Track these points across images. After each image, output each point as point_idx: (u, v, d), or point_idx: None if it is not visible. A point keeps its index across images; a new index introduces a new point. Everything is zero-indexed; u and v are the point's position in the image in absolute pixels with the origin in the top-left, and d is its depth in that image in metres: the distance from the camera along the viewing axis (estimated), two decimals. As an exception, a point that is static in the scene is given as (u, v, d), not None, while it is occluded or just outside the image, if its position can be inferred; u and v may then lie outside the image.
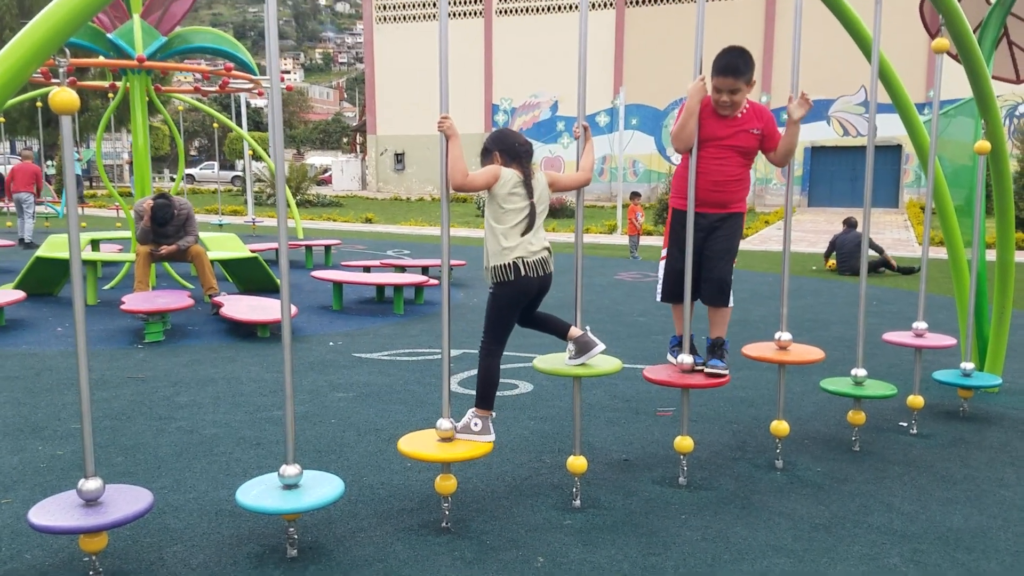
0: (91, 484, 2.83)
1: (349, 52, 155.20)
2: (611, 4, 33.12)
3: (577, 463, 3.62)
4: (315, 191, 31.00)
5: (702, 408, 5.15)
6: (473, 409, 3.57)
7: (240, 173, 43.56)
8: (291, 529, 3.15)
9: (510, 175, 3.51)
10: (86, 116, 32.33)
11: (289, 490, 3.12)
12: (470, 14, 35.51)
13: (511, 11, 35.01)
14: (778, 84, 29.74)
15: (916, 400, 4.68)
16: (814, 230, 20.82)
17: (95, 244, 9.89)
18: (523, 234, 3.51)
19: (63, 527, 2.75)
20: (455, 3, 35.51)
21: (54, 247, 8.96)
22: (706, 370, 3.92)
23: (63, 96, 2.65)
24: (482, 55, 35.25)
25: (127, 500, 2.90)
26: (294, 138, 68.74)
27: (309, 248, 12.32)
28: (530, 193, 3.53)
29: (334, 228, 19.91)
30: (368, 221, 21.60)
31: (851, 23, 5.03)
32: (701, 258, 4.00)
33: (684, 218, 3.91)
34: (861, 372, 4.40)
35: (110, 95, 14.75)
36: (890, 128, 29.16)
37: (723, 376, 3.89)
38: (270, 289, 9.20)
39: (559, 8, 33.97)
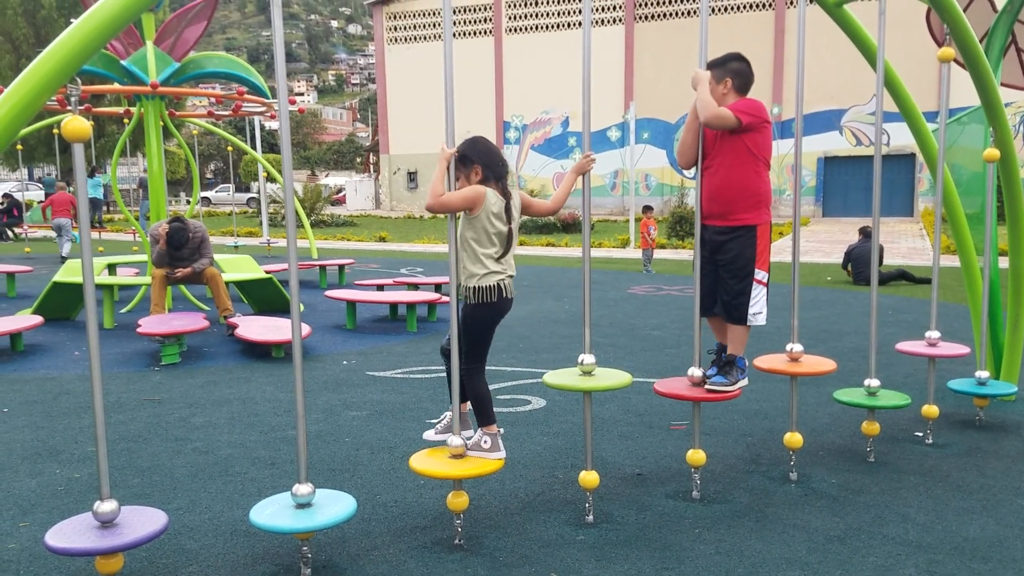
0: (106, 506, 2.86)
1: (361, 73, 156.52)
2: (620, 20, 33.28)
3: (589, 478, 3.62)
4: (329, 211, 31.20)
5: (715, 421, 5.13)
6: (480, 429, 3.60)
7: (255, 195, 43.96)
8: (304, 548, 3.16)
9: (495, 199, 3.51)
10: (102, 142, 32.73)
11: (302, 509, 3.14)
12: (480, 33, 35.76)
13: (520, 29, 35.23)
14: (788, 96, 29.72)
15: (931, 410, 4.65)
16: (828, 240, 20.74)
17: (112, 268, 9.99)
18: (502, 256, 3.55)
19: (79, 549, 2.78)
20: (464, 23, 35.76)
21: (71, 272, 9.06)
22: (706, 386, 3.90)
23: (75, 125, 2.71)
24: (492, 73, 35.46)
25: (142, 521, 2.93)
26: (308, 159, 69.31)
27: (323, 268, 12.40)
28: (510, 218, 3.56)
29: (348, 248, 20.01)
30: (382, 240, 21.70)
31: (857, 35, 5.06)
32: (716, 274, 4.00)
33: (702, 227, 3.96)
34: (874, 382, 4.38)
35: (125, 120, 14.97)
36: (904, 137, 29.06)
37: (722, 392, 3.86)
38: (285, 309, 9.26)
39: (568, 25, 34.15)
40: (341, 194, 43.08)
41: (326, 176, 54.97)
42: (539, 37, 34.70)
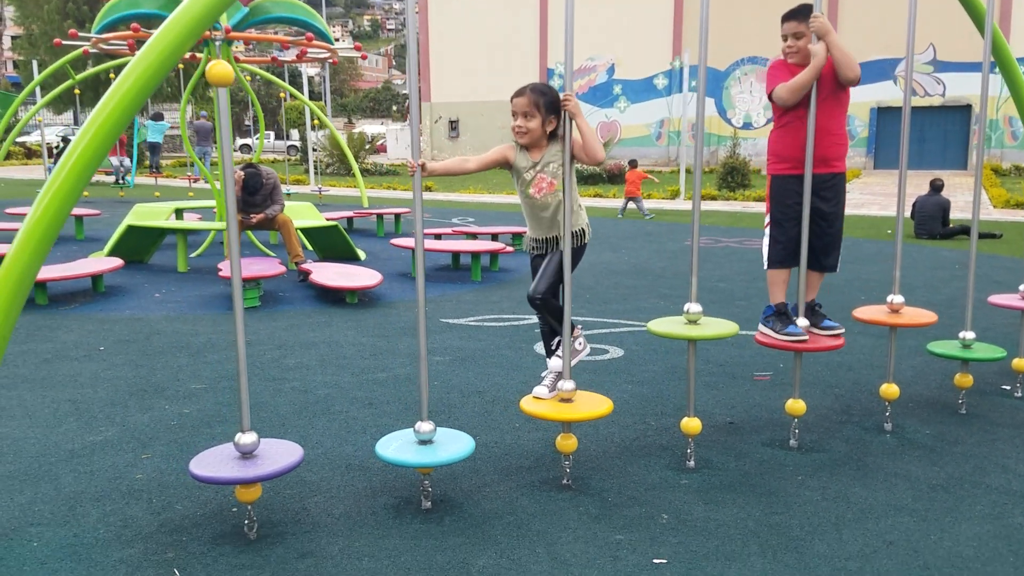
0: (247, 438, 3.00)
1: (397, 18, 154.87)
2: (669, -36, 32.50)
3: (691, 424, 3.69)
4: (372, 160, 31.25)
5: (802, 373, 5.15)
6: (573, 336, 3.72)
7: (295, 142, 44.04)
8: (426, 482, 3.29)
9: None
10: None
11: (424, 445, 3.26)
12: (525, -22, 35.16)
13: (566, -26, 34.57)
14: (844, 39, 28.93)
15: (1022, 363, 4.64)
16: (883, 192, 20.39)
17: (179, 213, 10.18)
18: None
19: (223, 478, 2.92)
20: (509, -33, 35.17)
21: (142, 216, 9.26)
22: (823, 333, 3.97)
23: (220, 69, 2.77)
24: (537, 19, 34.93)
25: (280, 453, 3.06)
26: (344, 107, 69.16)
27: (380, 216, 12.50)
28: None
29: (395, 196, 20.10)
30: (428, 189, 21.74)
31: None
32: (819, 222, 4.03)
33: (787, 183, 3.98)
34: (969, 335, 4.38)
35: (180, 66, 15.08)
36: (959, 87, 28.36)
37: (840, 334, 3.96)
38: (349, 257, 9.39)
39: (615, -30, 33.43)
40: (381, 143, 43.11)
41: (359, 125, 54.92)
42: (585, -18, 34.03)
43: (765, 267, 4.23)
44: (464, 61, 35.30)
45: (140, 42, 9.18)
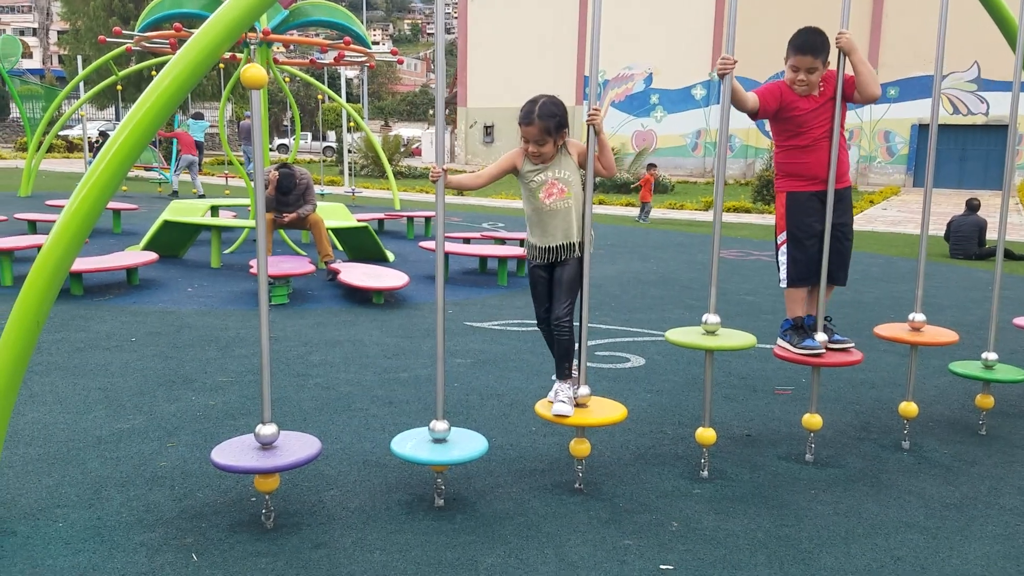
0: (268, 429, 3.08)
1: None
2: (710, -25, 32.42)
3: (706, 435, 3.71)
4: (406, 163, 31.49)
5: (823, 389, 5.12)
6: (567, 382, 3.60)
7: (332, 144, 44.54)
8: (439, 480, 3.35)
9: None
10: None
11: (439, 444, 3.32)
12: (564, -14, 35.28)
13: (606, -17, 34.65)
14: (884, 59, 28.66)
15: (1047, 387, 4.60)
16: (921, 211, 20.12)
17: (215, 210, 10.37)
18: None
19: (243, 467, 3.00)
20: (549, -25, 35.31)
21: (178, 212, 9.45)
22: (833, 347, 3.97)
23: (254, 72, 2.86)
24: (576, 26, 35.02)
25: (299, 445, 3.14)
26: (382, 109, 69.78)
27: (410, 219, 12.63)
28: None
29: (427, 200, 20.26)
30: (460, 194, 21.88)
31: (994, 6, 4.88)
32: (833, 239, 4.04)
33: (805, 200, 3.97)
34: (992, 356, 4.35)
35: (221, 66, 15.36)
36: (1004, 106, 27.90)
37: (851, 349, 3.96)
38: (379, 258, 9.51)
39: (655, -20, 33.42)
40: (416, 146, 43.41)
41: (395, 128, 55.34)
42: (625, -9, 34.05)
43: (784, 286, 4.16)
44: (501, 66, 35.49)
45: (182, 41, 9.39)
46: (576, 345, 3.63)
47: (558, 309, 3.60)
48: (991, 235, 13.29)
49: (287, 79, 18.75)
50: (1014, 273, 10.58)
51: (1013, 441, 4.31)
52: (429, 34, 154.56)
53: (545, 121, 3.46)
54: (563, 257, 3.58)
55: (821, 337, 3.93)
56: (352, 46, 9.28)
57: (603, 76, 35.03)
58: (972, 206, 12.08)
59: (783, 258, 4.15)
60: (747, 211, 18.98)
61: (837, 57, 3.85)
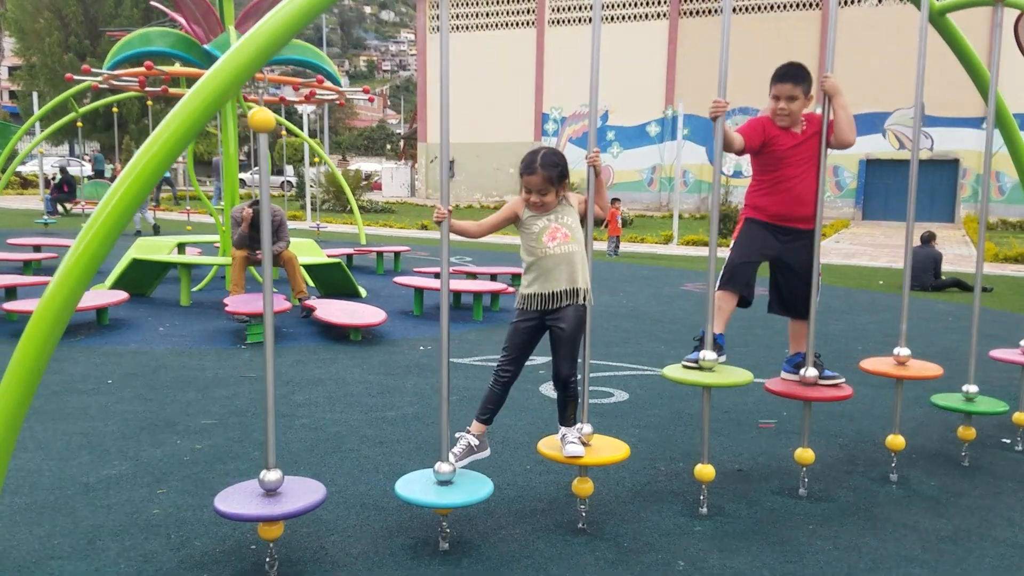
0: (272, 475, 3.02)
1: (393, 60, 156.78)
2: (664, 15, 33.19)
3: (705, 471, 3.74)
4: (367, 197, 31.44)
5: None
6: (574, 427, 3.57)
7: (290, 178, 44.28)
8: (444, 523, 3.32)
9: None
10: (145, 123, 33.15)
11: (443, 486, 3.29)
12: (522, 24, 35.81)
13: (563, 21, 35.24)
14: (832, 97, 29.51)
15: (1022, 417, 4.72)
16: (872, 244, 20.66)
17: (181, 247, 10.22)
18: None
19: (248, 515, 2.94)
20: (507, 13, 35.83)
21: (146, 249, 9.29)
22: (822, 383, 4.03)
23: (261, 116, 2.86)
24: (533, 64, 35.50)
25: (303, 491, 3.09)
26: (339, 144, 69.69)
27: (379, 254, 12.58)
28: None
29: (392, 234, 20.21)
30: (424, 228, 21.88)
31: (958, 44, 5.11)
32: (787, 275, 4.19)
33: (761, 227, 4.11)
34: (972, 388, 4.47)
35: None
36: (948, 142, 28.91)
37: (842, 384, 4.04)
38: (351, 294, 9.44)
39: (612, 19, 34.11)
40: (376, 180, 43.39)
41: (353, 162, 55.18)
42: (582, 29, 34.67)
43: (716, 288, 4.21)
44: (461, 103, 35.73)
45: (152, 79, 9.32)
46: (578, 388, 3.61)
47: (566, 369, 3.52)
48: (945, 267, 13.71)
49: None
50: (969, 303, 10.89)
51: (995, 472, 4.42)
52: (385, 70, 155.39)
53: (548, 171, 3.49)
54: (564, 303, 3.49)
55: (812, 372, 3.99)
56: (324, 84, 9.29)
57: (560, 113, 35.50)
58: (925, 239, 12.44)
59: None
60: (704, 244, 19.27)
61: (822, 100, 3.96)
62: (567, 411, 3.59)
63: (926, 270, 12.02)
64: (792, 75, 4.01)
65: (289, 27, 2.89)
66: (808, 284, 4.13)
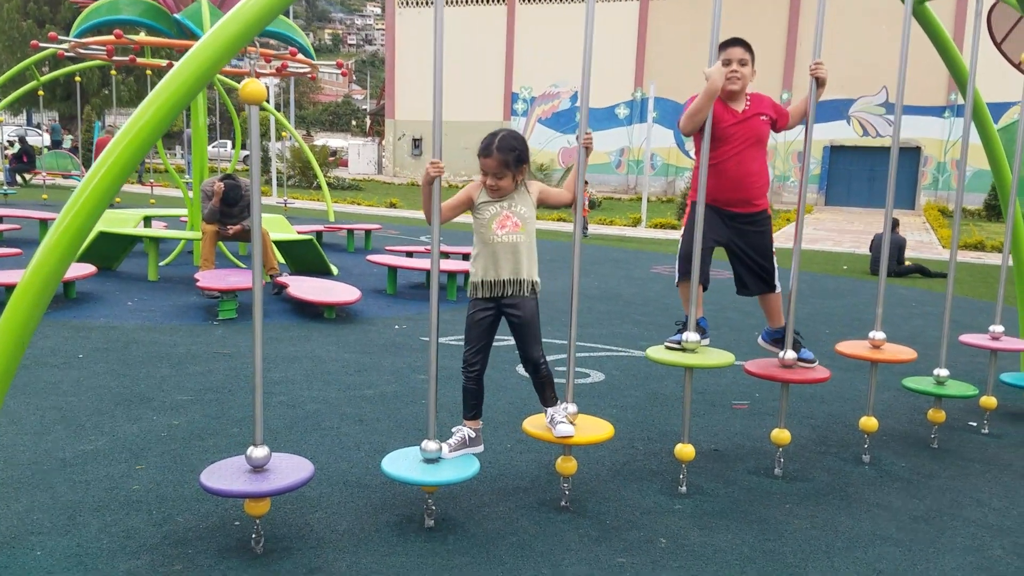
0: (260, 452, 3.01)
1: (359, 34, 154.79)
2: (635, -4, 33.15)
3: (685, 451, 3.79)
4: (334, 174, 31.10)
5: (776, 403, 5.31)
6: (554, 407, 3.56)
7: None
8: (430, 501, 3.33)
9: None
10: (105, 93, 32.36)
11: (430, 464, 3.30)
12: (493, 1, 35.53)
13: (535, 0, 35.03)
14: (799, 83, 29.77)
15: (989, 401, 4.86)
16: (836, 229, 20.97)
17: (148, 221, 10.05)
18: None
19: (235, 491, 2.92)
20: (478, -10, 35.53)
21: (113, 223, 9.12)
22: (801, 364, 4.09)
23: (253, 87, 2.81)
24: (503, 43, 35.28)
25: (290, 468, 3.08)
26: (304, 119, 68.75)
27: (350, 232, 12.48)
28: None
29: (360, 212, 20.05)
30: (392, 206, 21.73)
31: (936, 33, 5.17)
32: (739, 256, 4.22)
33: (707, 208, 3.93)
34: (943, 372, 4.58)
35: (149, 72, 14.91)
36: (909, 130, 29.33)
37: (817, 366, 4.12)
38: (322, 271, 9.36)
39: (583, -1, 34.00)
40: (343, 157, 42.91)
41: (317, 138, 54.47)
42: (553, 8, 34.51)
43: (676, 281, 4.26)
44: (430, 80, 35.42)
45: (120, 48, 9.10)
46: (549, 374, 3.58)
47: (534, 353, 3.51)
48: (908, 253, 13.96)
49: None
50: (931, 289, 11.14)
51: (964, 454, 4.54)
52: (350, 44, 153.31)
53: (504, 154, 3.38)
54: (510, 293, 3.45)
55: (791, 355, 4.04)
56: (298, 57, 9.15)
57: (530, 93, 35.37)
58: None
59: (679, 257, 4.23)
60: (673, 227, 19.41)
61: (810, 86, 3.99)
62: (546, 392, 3.59)
63: (890, 256, 12.24)
64: (743, 42, 4.01)
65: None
66: (762, 267, 4.18)
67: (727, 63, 3.98)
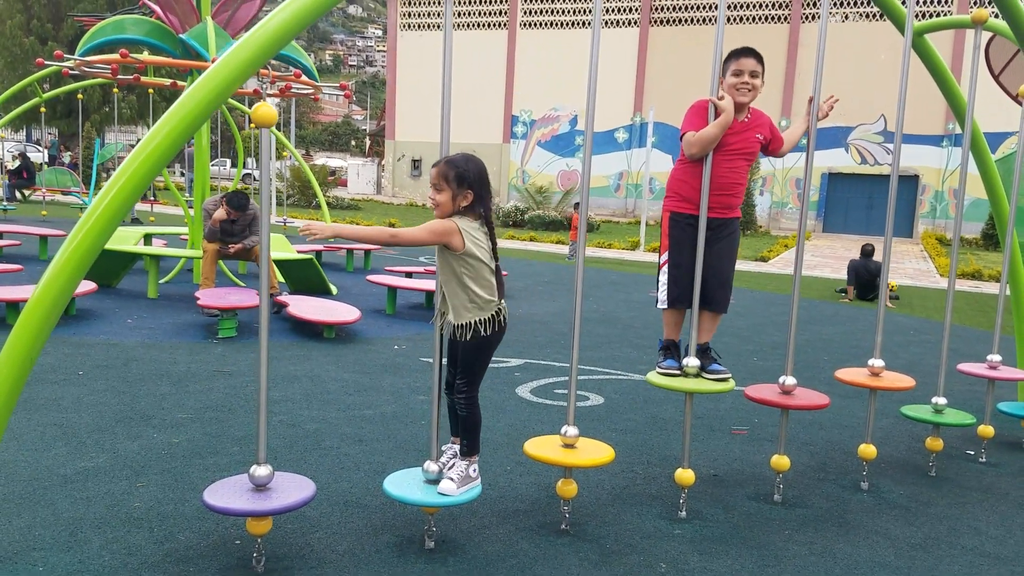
0: (263, 471, 3.02)
1: (359, 55, 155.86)
2: (635, 23, 33.46)
3: (685, 476, 3.81)
4: (333, 193, 31.21)
5: (775, 429, 5.32)
6: (467, 460, 3.42)
7: (252, 171, 43.75)
8: (431, 521, 3.34)
9: (478, 232, 3.28)
10: (105, 110, 32.48)
11: (432, 484, 3.31)
12: (494, 25, 35.84)
13: (535, 24, 35.34)
14: (798, 110, 30.01)
15: (987, 430, 4.88)
16: (833, 255, 21.05)
17: (148, 239, 10.07)
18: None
19: (237, 510, 2.93)
20: (479, 14, 35.83)
21: (113, 240, 9.14)
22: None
23: (264, 111, 2.86)
24: (504, 66, 35.54)
25: (292, 487, 3.09)
26: (303, 138, 69.05)
27: (350, 251, 12.51)
28: (494, 243, 3.37)
29: (359, 231, 20.06)
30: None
31: (934, 64, 5.24)
32: (707, 263, 4.00)
33: (685, 221, 3.95)
34: (941, 400, 4.60)
35: (150, 91, 15.01)
36: (907, 159, 29.53)
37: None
38: (321, 291, 9.38)
39: (583, 24, 34.29)
40: (342, 177, 43.07)
41: (317, 158, 54.61)
42: (553, 33, 34.80)
43: (664, 307, 4.21)
44: (429, 101, 35.62)
45: (125, 67, 9.18)
46: (479, 422, 3.48)
47: (458, 381, 3.40)
48: (903, 281, 14.04)
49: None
50: (930, 318, 11.18)
51: (961, 483, 4.56)
52: (351, 65, 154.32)
53: (446, 168, 3.21)
54: (456, 334, 3.32)
55: (694, 361, 3.93)
56: (302, 79, 9.23)
57: (530, 116, 35.59)
58: (866, 252, 12.77)
59: (664, 278, 4.14)
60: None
61: (812, 112, 4.06)
62: (463, 437, 3.44)
63: (866, 283, 12.39)
64: (756, 53, 3.99)
65: (298, 22, 2.89)
66: (726, 278, 4.08)
67: (739, 73, 3.94)
